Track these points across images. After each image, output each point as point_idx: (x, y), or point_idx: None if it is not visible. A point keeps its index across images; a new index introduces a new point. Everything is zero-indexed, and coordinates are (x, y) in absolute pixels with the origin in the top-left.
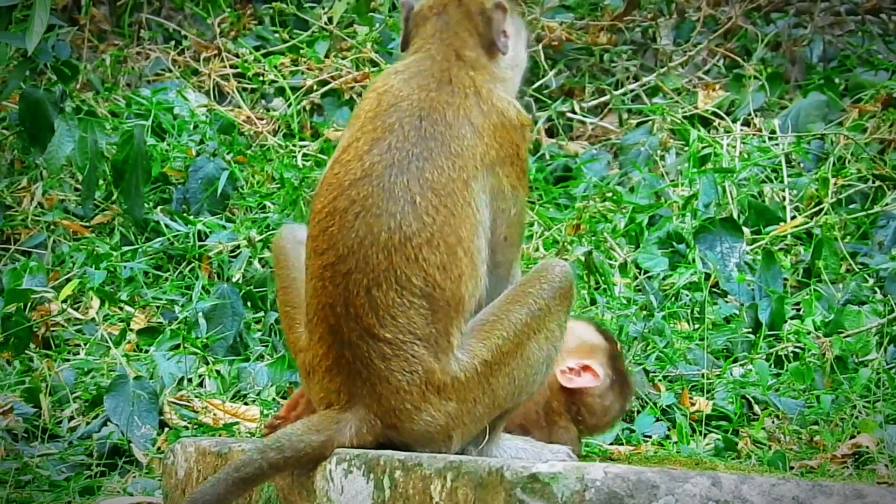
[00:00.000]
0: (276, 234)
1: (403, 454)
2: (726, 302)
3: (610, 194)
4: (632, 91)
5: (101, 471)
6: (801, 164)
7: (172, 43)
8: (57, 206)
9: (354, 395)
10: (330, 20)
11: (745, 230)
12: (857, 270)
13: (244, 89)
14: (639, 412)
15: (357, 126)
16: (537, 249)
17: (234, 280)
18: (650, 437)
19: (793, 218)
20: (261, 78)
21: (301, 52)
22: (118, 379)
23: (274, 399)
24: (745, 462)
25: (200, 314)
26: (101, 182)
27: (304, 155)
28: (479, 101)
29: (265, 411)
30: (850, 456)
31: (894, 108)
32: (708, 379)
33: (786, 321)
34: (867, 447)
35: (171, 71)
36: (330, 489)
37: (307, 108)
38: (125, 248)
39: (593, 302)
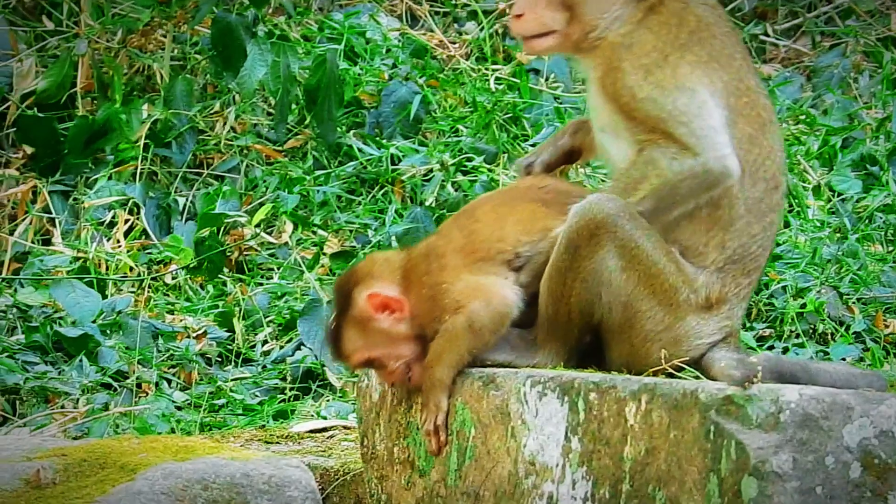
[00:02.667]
0: (591, 210)
1: (598, 376)
2: None
3: (803, 117)
4: (825, 13)
5: (294, 395)
6: None
7: None
8: (250, 130)
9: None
10: None
11: None
12: None
13: (436, 13)
14: (832, 335)
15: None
16: None
17: (427, 203)
18: (844, 359)
19: None
20: (453, 1)
21: None
22: (312, 303)
23: None
24: None
25: (393, 238)
26: (293, 106)
27: (497, 78)
28: None
29: None
30: None
31: None
32: None
33: None
34: None
35: None
36: (524, 412)
37: (499, 31)
38: (318, 173)
39: (787, 225)
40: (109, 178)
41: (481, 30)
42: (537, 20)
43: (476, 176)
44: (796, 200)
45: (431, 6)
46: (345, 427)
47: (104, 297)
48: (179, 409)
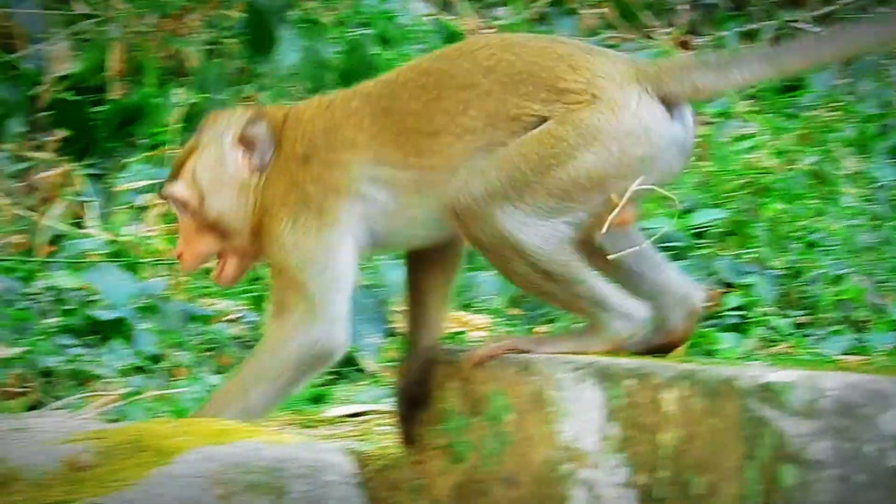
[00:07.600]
0: None
1: (636, 363)
2: None
3: (838, 104)
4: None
5: (329, 379)
6: None
7: None
8: None
9: None
10: None
11: None
12: None
13: None
14: (870, 322)
15: None
16: (759, 161)
17: None
18: (881, 347)
19: None
20: None
21: None
22: None
23: (497, 309)
24: None
25: None
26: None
27: None
28: None
29: (493, 319)
30: None
31: None
32: None
33: None
34: None
35: None
36: (560, 398)
37: (532, 16)
38: None
39: (821, 213)
40: (143, 161)
41: (514, 15)
42: (193, 254)
43: None
44: (831, 188)
45: None
46: (380, 411)
47: (138, 280)
48: None
